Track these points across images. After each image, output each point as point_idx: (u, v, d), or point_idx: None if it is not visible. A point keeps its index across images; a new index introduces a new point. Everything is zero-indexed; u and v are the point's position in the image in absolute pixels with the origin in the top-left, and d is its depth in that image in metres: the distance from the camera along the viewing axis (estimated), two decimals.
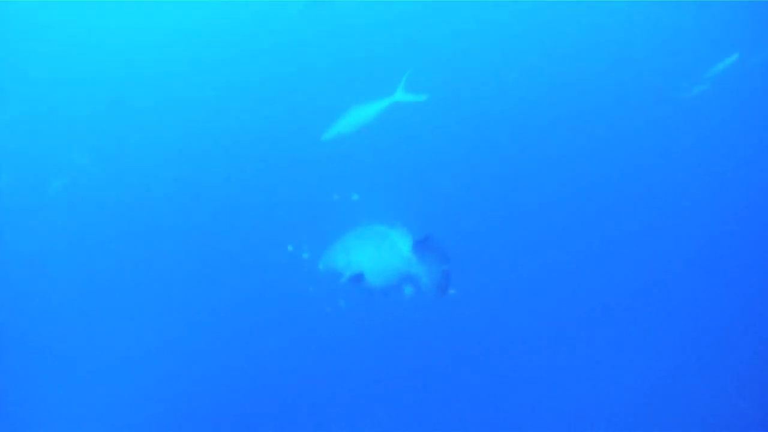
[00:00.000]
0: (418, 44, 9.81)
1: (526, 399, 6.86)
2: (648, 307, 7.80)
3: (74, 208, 8.58)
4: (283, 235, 6.93)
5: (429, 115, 8.89)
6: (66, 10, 9.60)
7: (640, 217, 8.76)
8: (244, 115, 9.37)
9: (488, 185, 9.00)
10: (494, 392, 6.93)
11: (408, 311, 5.95)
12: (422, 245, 4.02)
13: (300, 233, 6.37)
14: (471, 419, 6.77)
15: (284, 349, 7.32)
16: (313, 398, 7.00)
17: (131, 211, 8.70)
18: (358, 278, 4.31)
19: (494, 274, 7.76)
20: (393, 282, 4.23)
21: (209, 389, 7.08)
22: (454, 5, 10.13)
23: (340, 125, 5.36)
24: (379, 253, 4.25)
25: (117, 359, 7.42)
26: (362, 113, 5.34)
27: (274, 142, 8.95)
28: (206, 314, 7.79)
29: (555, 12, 10.17)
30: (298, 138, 8.09)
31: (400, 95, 5.39)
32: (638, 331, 7.52)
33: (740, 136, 9.44)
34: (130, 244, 8.41)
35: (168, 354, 7.44)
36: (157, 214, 8.66)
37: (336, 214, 6.49)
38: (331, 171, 8.04)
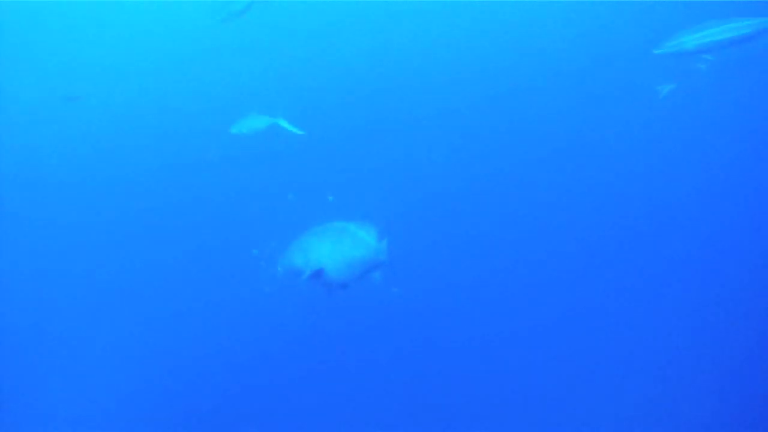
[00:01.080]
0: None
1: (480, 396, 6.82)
2: (608, 304, 7.82)
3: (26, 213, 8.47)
4: (249, 239, 6.83)
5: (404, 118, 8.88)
6: None
7: (608, 217, 8.74)
8: (213, 118, 9.27)
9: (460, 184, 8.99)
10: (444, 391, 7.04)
11: (363, 307, 5.95)
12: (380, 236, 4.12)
13: (265, 237, 6.27)
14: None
15: (258, 350, 7.33)
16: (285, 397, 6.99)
17: (99, 216, 8.58)
18: (318, 274, 4.35)
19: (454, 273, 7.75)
20: (358, 274, 4.36)
21: (177, 387, 7.11)
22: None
23: (240, 125, 6.29)
24: (338, 247, 4.34)
25: (82, 357, 7.43)
26: (256, 122, 6.28)
27: (243, 144, 8.87)
28: (178, 319, 7.77)
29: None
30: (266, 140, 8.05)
31: (282, 122, 6.36)
32: (592, 325, 7.61)
33: (717, 133, 9.42)
34: (97, 249, 8.30)
35: (136, 355, 7.47)
36: (126, 219, 8.58)
37: (301, 215, 6.40)
38: (295, 174, 8.04)
